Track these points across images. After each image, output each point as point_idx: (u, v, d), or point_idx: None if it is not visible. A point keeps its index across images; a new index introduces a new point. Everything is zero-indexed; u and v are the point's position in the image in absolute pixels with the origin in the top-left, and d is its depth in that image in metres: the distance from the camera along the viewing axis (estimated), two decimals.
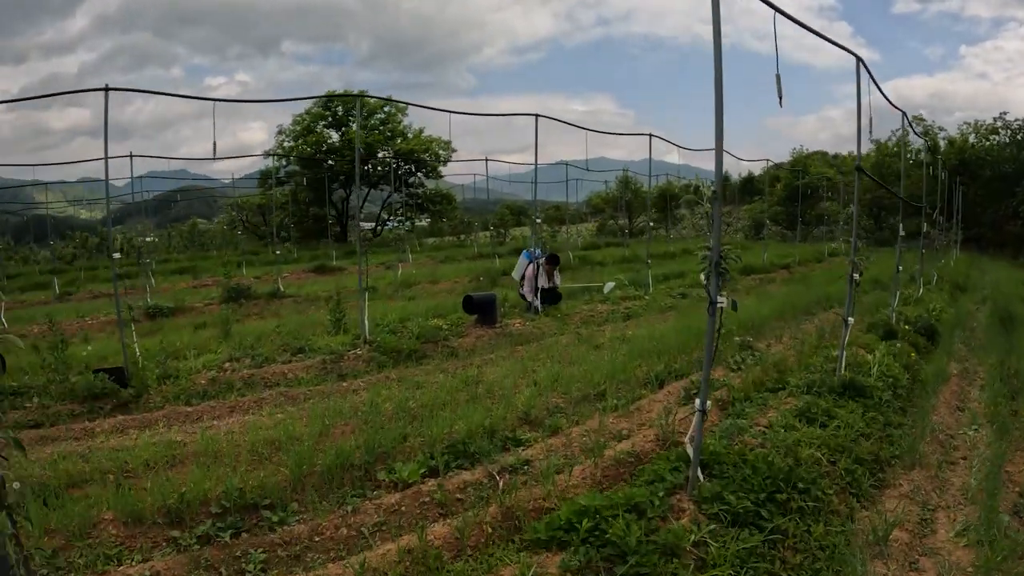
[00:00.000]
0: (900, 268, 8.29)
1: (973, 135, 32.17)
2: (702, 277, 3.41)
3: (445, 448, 4.62)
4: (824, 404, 4.79)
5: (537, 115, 9.17)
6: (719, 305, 3.30)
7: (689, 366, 6.59)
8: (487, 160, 20.00)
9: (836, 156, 44.35)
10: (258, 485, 4.34)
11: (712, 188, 3.10)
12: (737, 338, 7.48)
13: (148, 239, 34.82)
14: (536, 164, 9.50)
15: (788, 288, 13.06)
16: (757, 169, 38.60)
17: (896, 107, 7.63)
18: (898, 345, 6.89)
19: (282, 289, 12.75)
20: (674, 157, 29.99)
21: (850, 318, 5.52)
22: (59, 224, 30.49)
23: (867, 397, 5.21)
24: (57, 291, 15.73)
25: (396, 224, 32.37)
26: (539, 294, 9.89)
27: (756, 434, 4.29)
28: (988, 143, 31.64)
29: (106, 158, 7.22)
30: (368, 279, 14.85)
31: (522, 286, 10.27)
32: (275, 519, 4.07)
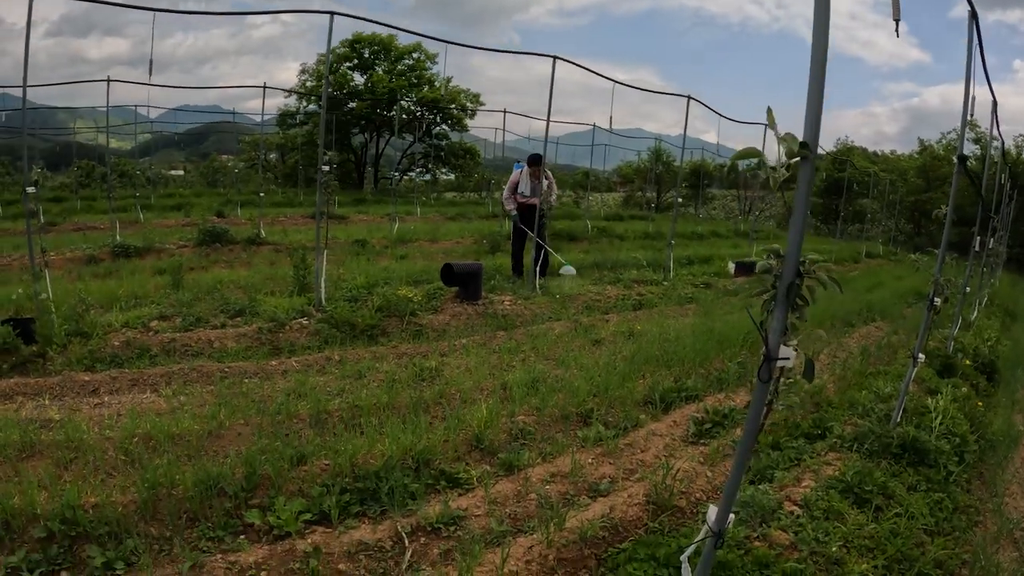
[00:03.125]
0: (967, 289, 6.66)
1: None
2: (753, 312, 1.90)
3: (351, 482, 3.34)
4: (879, 476, 3.38)
5: (555, 56, 7.71)
6: (784, 363, 1.75)
7: (706, 384, 5.20)
8: (505, 112, 18.36)
9: (876, 154, 42.15)
10: (99, 505, 3.18)
11: (802, 141, 1.65)
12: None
13: (176, 172, 34.00)
14: (549, 112, 8.05)
15: (824, 291, 11.45)
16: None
17: (992, 94, 5.91)
18: (963, 389, 5.41)
19: (263, 235, 11.50)
20: (711, 136, 28.19)
21: (921, 355, 4.04)
22: (88, 151, 29.63)
23: (930, 465, 3.79)
24: (42, 221, 14.70)
25: (415, 175, 30.98)
26: (537, 264, 8.50)
27: (787, 521, 2.91)
28: None
29: None
30: (364, 231, 13.72)
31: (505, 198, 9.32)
32: (100, 561, 2.92)
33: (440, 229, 14.65)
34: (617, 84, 10.22)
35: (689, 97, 10.46)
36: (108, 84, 10.91)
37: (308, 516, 3.15)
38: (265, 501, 3.28)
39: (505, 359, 5.62)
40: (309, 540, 2.95)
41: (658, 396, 4.76)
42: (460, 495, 3.34)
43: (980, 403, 5.49)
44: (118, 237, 10.94)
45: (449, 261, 7.89)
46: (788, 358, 1.73)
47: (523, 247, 9.09)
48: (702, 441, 4.13)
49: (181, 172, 35.31)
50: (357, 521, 3.12)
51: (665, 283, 9.72)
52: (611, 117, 9.36)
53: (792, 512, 3.01)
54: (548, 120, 8.22)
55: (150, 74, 5.96)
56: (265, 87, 12.60)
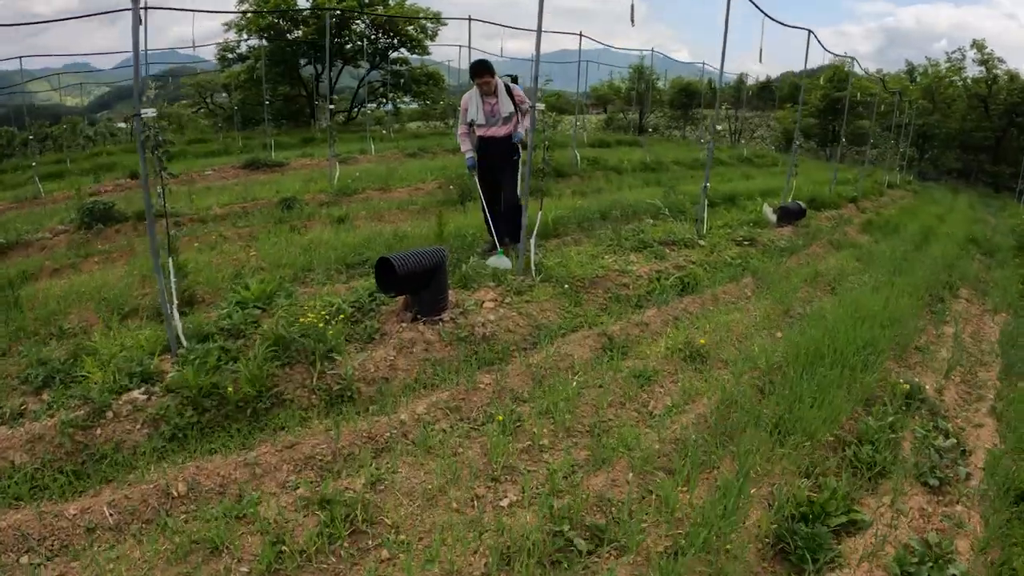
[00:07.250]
0: None
1: None
2: None
3: None
4: None
5: None
6: None
7: (854, 480, 2.85)
8: (470, 20, 14.82)
9: (866, 72, 40.21)
10: None
11: None
12: (904, 383, 3.70)
13: (121, 125, 30.29)
14: (540, 29, 5.27)
15: (885, 244, 9.11)
16: (774, 74, 36.04)
17: None
18: None
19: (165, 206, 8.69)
20: (683, 55, 25.57)
21: None
22: (42, 112, 26.87)
23: None
24: None
25: (372, 107, 27.54)
26: (523, 230, 5.84)
27: None
28: None
29: None
30: (299, 183, 10.75)
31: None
32: None
33: (396, 172, 11.70)
34: None
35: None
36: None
37: None
38: None
39: (499, 450, 3.18)
40: None
41: (798, 542, 2.36)
42: None
43: None
44: None
45: (382, 256, 4.85)
46: None
47: (496, 200, 6.41)
48: None
49: (123, 124, 31.51)
50: None
51: (702, 242, 7.18)
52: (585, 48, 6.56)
53: None
54: (539, 28, 5.47)
55: None
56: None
